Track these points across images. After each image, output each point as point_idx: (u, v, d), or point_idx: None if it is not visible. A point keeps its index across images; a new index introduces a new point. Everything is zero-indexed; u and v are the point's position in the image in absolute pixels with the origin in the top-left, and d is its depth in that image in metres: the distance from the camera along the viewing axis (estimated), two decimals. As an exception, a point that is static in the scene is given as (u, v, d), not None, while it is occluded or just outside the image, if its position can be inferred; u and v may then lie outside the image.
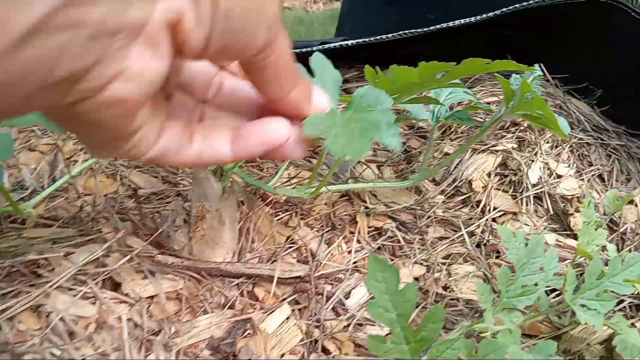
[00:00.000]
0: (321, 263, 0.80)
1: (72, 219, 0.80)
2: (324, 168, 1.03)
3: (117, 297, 0.68)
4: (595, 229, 0.76)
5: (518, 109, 0.74)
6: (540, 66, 1.18)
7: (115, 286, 0.70)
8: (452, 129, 1.08)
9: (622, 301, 0.78)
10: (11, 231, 0.78)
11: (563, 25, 1.12)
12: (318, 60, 0.74)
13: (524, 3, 1.02)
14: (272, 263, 0.78)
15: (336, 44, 1.18)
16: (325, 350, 0.69)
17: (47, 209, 0.84)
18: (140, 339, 0.63)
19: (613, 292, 0.62)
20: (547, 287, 0.74)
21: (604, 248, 0.84)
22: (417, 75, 0.68)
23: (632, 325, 0.74)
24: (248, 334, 0.70)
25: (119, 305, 0.67)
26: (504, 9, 1.03)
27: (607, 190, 0.97)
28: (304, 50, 1.25)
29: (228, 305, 0.73)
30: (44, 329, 0.61)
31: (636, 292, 0.75)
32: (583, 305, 0.62)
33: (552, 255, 0.66)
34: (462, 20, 1.07)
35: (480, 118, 1.10)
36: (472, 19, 1.05)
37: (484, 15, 1.05)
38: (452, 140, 1.05)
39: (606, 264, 0.65)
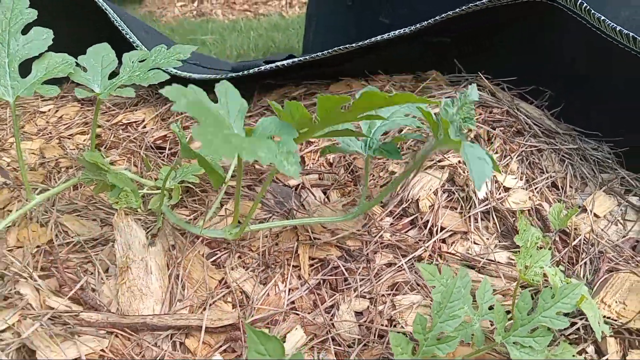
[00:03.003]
0: (255, 307, 0.76)
1: (-7, 280, 0.76)
2: (277, 197, 1.00)
3: (32, 367, 0.64)
4: (537, 250, 0.72)
5: (446, 142, 0.70)
6: (479, 74, 1.15)
7: (31, 354, 0.66)
8: (398, 146, 1.05)
9: (574, 324, 0.75)
10: None
11: (504, 28, 1.09)
12: (223, 87, 0.73)
13: (457, 9, 0.98)
14: (203, 310, 0.75)
15: (279, 63, 1.14)
16: (257, 404, 0.66)
17: (-29, 269, 0.80)
18: (50, 415, 0.60)
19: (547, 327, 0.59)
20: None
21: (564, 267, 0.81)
22: (318, 110, 0.64)
23: (583, 350, 0.71)
24: (176, 392, 0.66)
25: (33, 376, 0.64)
26: (437, 17, 0.99)
27: (560, 200, 0.94)
28: (251, 71, 1.22)
29: (157, 362, 0.70)
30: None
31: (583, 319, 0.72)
32: (516, 343, 0.59)
33: (485, 289, 0.63)
34: (397, 32, 1.03)
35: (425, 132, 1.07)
36: (407, 29, 1.02)
37: (418, 25, 1.01)
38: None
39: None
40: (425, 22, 1.01)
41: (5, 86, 0.82)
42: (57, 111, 1.32)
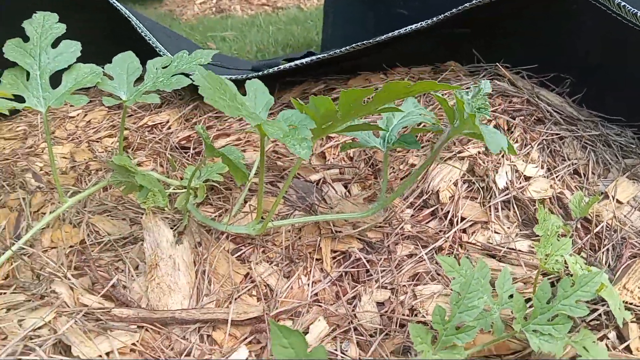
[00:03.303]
0: (279, 300, 0.78)
1: (30, 281, 0.80)
2: (299, 193, 1.02)
3: (69, 360, 0.68)
4: (558, 239, 0.72)
5: (462, 128, 0.71)
6: (497, 65, 1.15)
7: (67, 349, 0.70)
8: (417, 138, 1.05)
9: (595, 310, 0.75)
10: (-28, 298, 0.79)
11: (524, 16, 1.08)
12: (253, 84, 0.81)
13: (473, 1, 0.98)
14: (229, 305, 0.78)
15: (293, 63, 1.16)
16: (283, 393, 0.68)
17: (10, 271, 0.84)
18: (89, 404, 0.63)
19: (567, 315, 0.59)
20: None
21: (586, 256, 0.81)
22: (340, 103, 0.66)
23: (604, 337, 0.71)
24: (205, 382, 0.69)
25: (71, 368, 0.68)
26: (453, 10, 0.99)
27: (582, 187, 0.93)
28: (271, 70, 1.24)
29: (185, 353, 0.73)
30: (-13, 406, 0.61)
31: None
32: (535, 331, 0.59)
33: (505, 278, 0.64)
34: (413, 27, 1.04)
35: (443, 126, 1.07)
36: (423, 23, 1.02)
37: (435, 19, 1.01)
38: (417, 151, 1.02)
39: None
40: (442, 15, 1.01)
41: (38, 97, 0.86)
42: (85, 115, 1.37)
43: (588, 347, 0.62)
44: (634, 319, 0.71)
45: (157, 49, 1.24)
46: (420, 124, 1.06)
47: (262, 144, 0.76)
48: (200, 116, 1.29)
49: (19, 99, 0.86)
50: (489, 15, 1.10)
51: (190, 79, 0.70)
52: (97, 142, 1.25)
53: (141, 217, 0.98)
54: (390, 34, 1.06)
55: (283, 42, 3.54)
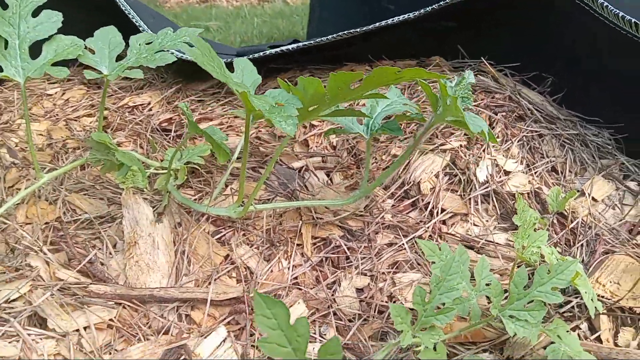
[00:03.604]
0: (259, 282, 0.78)
1: (3, 255, 0.78)
2: (281, 179, 1.01)
3: (43, 333, 0.67)
4: (535, 231, 0.74)
5: (445, 115, 0.72)
6: (482, 59, 1.16)
7: (42, 322, 0.68)
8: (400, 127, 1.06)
9: (569, 302, 0.77)
10: (-58, 270, 0.76)
11: (509, 14, 1.10)
12: (241, 62, 0.81)
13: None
14: (208, 285, 0.77)
15: (279, 48, 1.16)
16: (260, 374, 0.68)
17: (-18, 243, 0.82)
18: (62, 378, 0.62)
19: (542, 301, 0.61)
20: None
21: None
22: (328, 85, 0.66)
23: (576, 327, 0.73)
24: (184, 359, 0.69)
25: (45, 341, 0.66)
26: (441, 3, 1.01)
27: (559, 184, 0.95)
28: (256, 55, 1.23)
29: (163, 331, 0.72)
30: (-43, 377, 0.60)
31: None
32: (512, 317, 0.61)
33: (483, 266, 0.65)
34: (400, 17, 1.04)
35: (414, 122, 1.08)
36: (410, 15, 1.03)
37: (422, 11, 1.03)
38: (400, 142, 1.03)
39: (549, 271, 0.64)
40: (430, 8, 1.03)
41: (16, 67, 0.84)
42: (63, 94, 1.34)
43: (561, 335, 0.64)
44: (605, 311, 0.73)
45: (140, 27, 1.22)
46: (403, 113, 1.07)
47: (247, 120, 0.75)
48: (182, 99, 1.28)
49: None
50: (475, 10, 1.12)
51: (178, 51, 0.69)
52: (75, 120, 1.23)
53: (119, 197, 0.96)
54: (377, 24, 1.07)
55: (268, 35, 3.51)
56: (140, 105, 1.27)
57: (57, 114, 1.24)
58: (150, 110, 1.25)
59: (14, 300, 0.69)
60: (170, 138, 1.15)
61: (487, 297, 0.76)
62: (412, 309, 0.64)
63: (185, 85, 1.32)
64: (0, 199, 0.95)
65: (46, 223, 0.89)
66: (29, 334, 0.65)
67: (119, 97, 1.30)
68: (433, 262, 0.64)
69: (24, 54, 0.85)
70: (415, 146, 0.82)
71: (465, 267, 0.61)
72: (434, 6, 1.02)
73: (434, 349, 0.57)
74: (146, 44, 0.91)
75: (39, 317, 0.68)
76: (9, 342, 0.64)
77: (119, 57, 0.92)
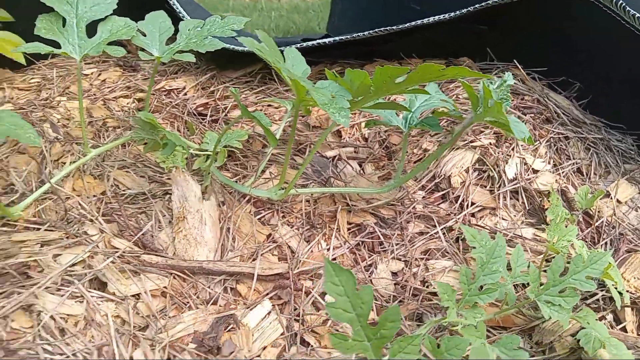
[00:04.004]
0: (301, 261, 0.82)
1: (59, 222, 0.82)
2: (315, 167, 1.05)
3: (104, 296, 0.71)
4: (565, 226, 0.78)
5: (485, 115, 0.76)
6: (514, 62, 1.21)
7: (102, 285, 0.73)
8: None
9: (594, 294, 0.81)
10: (2, 234, 0.80)
11: (539, 19, 1.14)
12: (290, 52, 0.85)
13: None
14: (253, 261, 0.81)
15: (315, 41, 1.20)
16: (304, 343, 0.72)
17: (36, 212, 0.86)
18: (128, 335, 0.66)
19: (576, 288, 0.65)
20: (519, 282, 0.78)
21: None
22: (374, 79, 0.70)
23: (602, 318, 0.77)
24: (231, 328, 0.73)
25: (106, 304, 0.70)
26: (476, 5, 1.05)
27: (584, 184, 1.00)
28: (296, 46, 1.27)
29: (212, 302, 0.76)
30: (35, 326, 0.64)
31: (607, 286, 0.79)
32: (547, 301, 0.65)
33: (519, 253, 0.69)
34: (436, 17, 1.08)
35: (453, 119, 1.12)
36: (446, 15, 1.07)
37: (458, 12, 1.07)
38: (431, 137, 1.07)
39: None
40: (466, 10, 1.07)
41: (73, 44, 0.88)
42: (99, 74, 1.38)
43: (591, 322, 0.68)
44: (629, 304, 0.78)
45: (180, 14, 1.26)
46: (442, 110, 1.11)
47: (296, 109, 0.79)
48: (217, 85, 1.31)
49: (54, 44, 0.88)
50: (507, 15, 1.16)
51: (238, 39, 0.73)
52: (113, 100, 1.26)
53: (159, 176, 1.01)
54: (413, 23, 1.11)
55: (284, 29, 3.55)
56: (176, 89, 1.31)
57: (94, 94, 1.28)
58: (186, 94, 1.29)
59: (74, 264, 0.73)
60: (205, 122, 1.19)
61: (515, 287, 0.80)
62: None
63: (219, 72, 1.36)
64: (49, 170, 0.99)
65: (94, 196, 0.93)
66: (92, 296, 0.69)
67: (154, 81, 1.34)
68: (473, 247, 0.68)
69: (82, 32, 0.89)
70: (452, 142, 0.86)
71: (504, 253, 0.65)
72: (469, 8, 1.06)
73: (475, 327, 0.62)
74: (195, 29, 0.95)
75: (100, 281, 0.72)
76: (75, 302, 0.68)
77: (169, 40, 0.96)
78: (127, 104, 1.26)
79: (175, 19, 1.00)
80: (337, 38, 1.20)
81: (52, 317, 0.66)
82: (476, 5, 1.08)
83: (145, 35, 0.95)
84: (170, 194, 0.94)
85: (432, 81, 0.74)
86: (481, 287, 0.63)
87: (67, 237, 0.78)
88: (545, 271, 0.72)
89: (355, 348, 0.49)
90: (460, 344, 0.54)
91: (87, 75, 1.38)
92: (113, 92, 1.30)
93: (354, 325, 0.50)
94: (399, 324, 0.50)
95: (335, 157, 1.08)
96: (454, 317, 0.60)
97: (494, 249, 0.63)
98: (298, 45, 1.25)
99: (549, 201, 0.96)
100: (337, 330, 0.75)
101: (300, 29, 3.56)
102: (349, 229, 0.92)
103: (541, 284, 0.68)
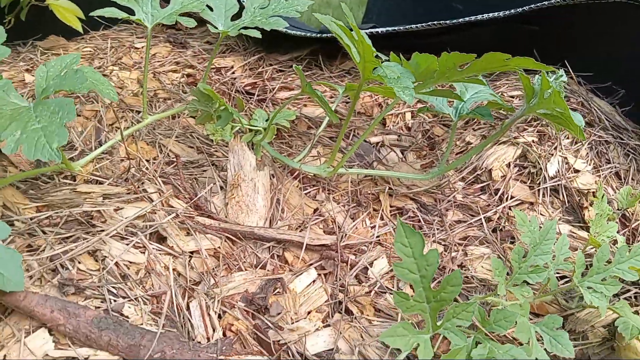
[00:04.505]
0: (346, 235, 0.86)
1: (119, 179, 0.87)
2: (358, 151, 1.08)
3: (163, 249, 0.75)
4: (607, 222, 0.80)
5: (539, 107, 0.78)
6: (565, 64, 1.22)
7: (161, 239, 0.76)
8: (475, 119, 1.13)
9: (628, 290, 0.83)
10: (64, 186, 0.84)
11: (588, 24, 1.16)
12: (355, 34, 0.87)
13: (552, 1, 1.05)
14: (301, 231, 0.84)
15: (365, 30, 1.23)
16: (348, 312, 0.76)
17: (96, 169, 0.90)
18: (183, 287, 0.70)
19: (618, 278, 0.67)
20: (557, 271, 0.80)
21: (615, 242, 0.89)
22: (440, 64, 0.73)
23: (636, 312, 0.79)
24: (278, 291, 0.76)
25: (165, 256, 0.74)
26: (532, 5, 1.07)
27: (622, 188, 1.01)
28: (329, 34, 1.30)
29: (260, 266, 0.79)
30: (101, 270, 0.68)
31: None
32: (590, 288, 0.67)
33: (563, 242, 0.71)
34: (490, 14, 1.11)
35: (503, 111, 1.14)
36: (500, 13, 1.10)
37: (512, 11, 1.09)
38: (474, 130, 1.10)
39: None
40: (520, 9, 1.09)
41: (146, 13, 0.92)
42: (150, 49, 1.42)
43: (627, 313, 0.71)
44: (663, 301, 0.80)
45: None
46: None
47: (359, 87, 0.82)
48: (264, 67, 1.35)
49: (129, 11, 0.92)
50: (558, 18, 1.18)
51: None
52: (163, 74, 1.31)
53: (206, 147, 1.04)
54: (467, 18, 1.13)
55: (316, 22, 3.57)
56: (224, 67, 1.35)
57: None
58: (234, 73, 1.33)
59: (136, 218, 0.77)
60: (252, 101, 1.23)
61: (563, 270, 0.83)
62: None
63: (267, 55, 1.39)
64: (105, 133, 1.03)
65: (147, 160, 0.97)
66: (153, 248, 0.73)
67: (203, 58, 1.38)
68: (511, 235, 0.71)
69: (155, 3, 0.93)
70: (501, 133, 0.88)
71: (555, 236, 0.68)
72: (524, 8, 1.08)
73: (520, 306, 0.64)
74: (260, 8, 0.98)
75: (159, 235, 0.76)
76: (138, 252, 0.72)
77: (234, 16, 1.00)
78: (177, 78, 1.30)
79: None
80: (389, 28, 1.23)
81: (116, 263, 0.70)
82: (532, 5, 1.10)
83: (212, 10, 0.98)
84: (218, 165, 0.98)
85: (495, 70, 0.76)
86: (530, 267, 0.66)
87: (129, 193, 0.82)
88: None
89: (415, 308, 0.52)
90: (508, 316, 0.57)
91: (138, 48, 1.42)
92: (163, 66, 1.34)
93: (417, 286, 0.52)
94: (459, 288, 0.53)
95: (378, 143, 1.11)
96: (503, 292, 0.63)
97: (546, 231, 0.65)
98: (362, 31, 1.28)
99: (587, 200, 0.98)
100: (378, 303, 0.78)
101: (333, 23, 3.58)
102: (391, 211, 0.95)
103: (582, 274, 0.70)
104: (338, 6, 4.15)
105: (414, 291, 0.54)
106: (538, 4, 1.07)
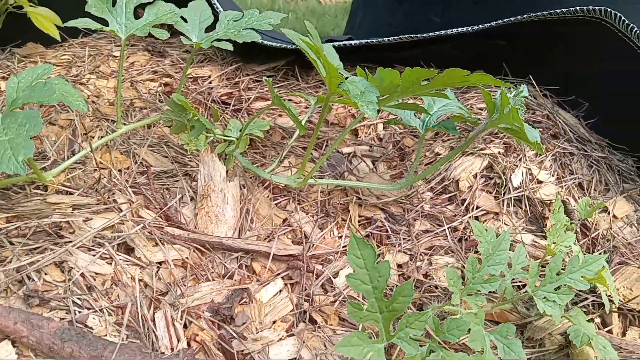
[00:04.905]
0: (314, 245, 0.87)
1: (89, 189, 0.88)
2: (330, 161, 1.10)
3: (131, 260, 0.76)
4: (565, 232, 0.83)
5: (500, 122, 0.81)
6: (531, 78, 1.26)
7: (129, 250, 0.78)
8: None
9: (585, 299, 0.86)
10: (35, 197, 0.85)
11: (554, 39, 1.19)
12: (325, 48, 0.89)
13: (519, 17, 1.09)
14: (269, 241, 0.86)
15: (341, 42, 1.25)
16: (312, 321, 0.77)
17: (67, 179, 0.91)
18: (149, 297, 0.71)
19: (571, 287, 0.70)
20: (515, 280, 0.83)
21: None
22: (403, 78, 0.75)
23: (591, 320, 0.82)
24: (244, 301, 0.78)
25: (132, 267, 0.75)
26: (499, 21, 1.10)
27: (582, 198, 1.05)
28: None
29: (228, 276, 0.81)
30: (66, 281, 0.69)
31: (598, 291, 0.84)
32: (543, 297, 0.70)
33: (520, 252, 0.74)
34: (458, 29, 1.14)
35: (470, 124, 1.18)
36: (469, 28, 1.13)
37: (480, 26, 1.12)
38: (443, 142, 1.13)
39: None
40: (488, 24, 1.12)
41: (120, 24, 0.94)
42: (128, 57, 1.43)
43: (580, 321, 0.73)
44: (616, 309, 0.82)
45: (214, 5, 1.31)
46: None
47: (326, 100, 0.84)
48: (241, 77, 1.37)
49: (103, 22, 0.94)
50: (525, 33, 1.21)
51: (283, 31, 0.78)
52: (141, 83, 1.32)
53: (181, 157, 1.06)
54: (437, 32, 1.16)
55: (300, 32, 3.59)
56: (201, 77, 1.36)
57: (123, 75, 1.33)
58: (211, 83, 1.34)
59: (105, 228, 0.78)
60: (228, 111, 1.24)
61: (518, 280, 0.85)
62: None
63: (244, 65, 1.41)
64: (79, 143, 1.04)
65: (119, 170, 0.98)
66: (120, 259, 0.75)
67: (181, 67, 1.39)
68: (477, 245, 0.74)
69: (129, 14, 0.95)
70: (466, 146, 0.91)
71: (508, 248, 0.70)
72: (492, 23, 1.12)
73: (475, 315, 0.67)
74: (234, 20, 1.00)
75: (127, 246, 0.78)
76: (104, 263, 0.73)
77: (208, 28, 1.01)
78: (154, 87, 1.31)
79: None
80: (362, 41, 1.26)
81: (82, 274, 0.71)
82: (498, 22, 1.14)
83: (186, 22, 1.00)
84: (191, 174, 0.99)
85: (455, 85, 0.79)
86: (484, 277, 0.68)
87: (98, 204, 0.83)
88: (541, 275, 0.77)
89: (368, 318, 0.54)
90: (461, 325, 0.59)
91: (117, 56, 1.43)
92: (141, 75, 1.35)
93: (369, 297, 0.55)
94: (410, 299, 0.55)
95: (350, 153, 1.13)
96: (457, 301, 0.65)
97: (499, 242, 0.68)
98: (328, 45, 1.30)
99: (550, 210, 1.01)
100: (342, 313, 0.80)
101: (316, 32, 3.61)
102: (359, 221, 0.97)
103: (537, 284, 0.73)
104: (322, 14, 4.18)
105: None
106: (505, 20, 1.11)
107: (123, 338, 0.65)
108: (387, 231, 0.95)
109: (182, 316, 0.73)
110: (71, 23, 0.92)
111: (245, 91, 1.30)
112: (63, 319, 0.67)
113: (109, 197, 0.85)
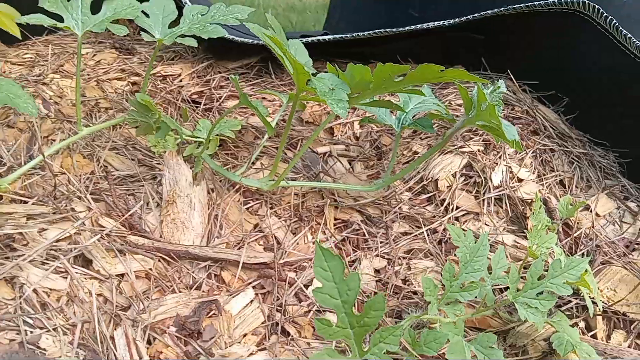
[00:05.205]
0: (286, 251, 0.83)
1: (46, 197, 0.82)
2: (305, 162, 1.06)
3: (88, 273, 0.71)
4: (547, 233, 0.80)
5: (477, 119, 0.78)
6: (508, 73, 1.23)
7: (87, 263, 0.73)
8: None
9: (569, 302, 0.84)
10: (-14, 205, 0.80)
11: (535, 33, 1.17)
12: (293, 44, 0.85)
13: (496, 9, 1.06)
14: (239, 249, 0.82)
15: (314, 38, 1.21)
16: (285, 333, 0.73)
17: (23, 186, 0.86)
18: (109, 313, 0.66)
19: (553, 292, 0.67)
20: (497, 285, 0.80)
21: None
22: (374, 75, 0.71)
23: (575, 324, 0.80)
24: (213, 314, 0.73)
25: (89, 281, 0.70)
26: (476, 14, 1.07)
27: (566, 196, 1.02)
28: (289, 40, 1.28)
29: (195, 286, 0.76)
30: (17, 299, 0.64)
31: (581, 293, 0.81)
32: (524, 303, 0.67)
33: (500, 256, 0.71)
34: (435, 23, 1.10)
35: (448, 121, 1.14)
36: (445, 22, 1.09)
37: (458, 19, 1.09)
38: (421, 140, 1.09)
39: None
40: (465, 18, 1.09)
41: (77, 20, 0.88)
42: (95, 55, 1.37)
43: (564, 327, 0.70)
44: (601, 313, 0.80)
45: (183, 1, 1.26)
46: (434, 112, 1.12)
47: (295, 99, 0.80)
48: (213, 75, 1.32)
49: (57, 17, 0.88)
50: (503, 27, 1.18)
51: (248, 25, 0.74)
52: (107, 82, 1.26)
53: (149, 160, 1.01)
54: (413, 26, 1.13)
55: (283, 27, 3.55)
56: (171, 75, 1.31)
57: (88, 74, 1.28)
58: (181, 81, 1.29)
59: (61, 240, 0.73)
60: (199, 110, 1.19)
61: (493, 291, 0.82)
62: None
63: (216, 62, 1.36)
64: (38, 146, 0.98)
65: (82, 175, 0.92)
66: (76, 272, 0.70)
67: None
68: (457, 247, 0.70)
69: (85, 9, 0.89)
70: (443, 144, 0.88)
71: (486, 253, 0.67)
72: (468, 17, 1.08)
73: (454, 324, 0.63)
74: (199, 15, 0.95)
75: (85, 258, 0.73)
76: (59, 277, 0.68)
77: (172, 23, 0.96)
78: (121, 86, 1.25)
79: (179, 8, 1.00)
80: (337, 36, 1.21)
81: (34, 290, 0.66)
82: (475, 15, 1.10)
83: (148, 17, 0.95)
84: (159, 178, 0.94)
85: (430, 82, 0.75)
86: (462, 285, 0.65)
87: (54, 213, 0.78)
88: (523, 277, 0.74)
89: (338, 334, 0.51)
90: (438, 338, 0.56)
91: (82, 55, 1.37)
92: (107, 74, 1.30)
93: (339, 312, 0.51)
94: (382, 312, 0.51)
95: (326, 153, 1.09)
96: (434, 311, 0.62)
97: (477, 248, 0.65)
98: (297, 40, 1.26)
99: (531, 209, 0.98)
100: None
101: (296, 28, 3.57)
102: (335, 225, 0.93)
103: (518, 289, 0.70)
104: (303, 10, 4.13)
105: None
106: (482, 13, 1.07)
107: (79, 358, 0.60)
108: (364, 234, 0.91)
109: (145, 332, 0.68)
110: (24, 19, 0.86)
111: (216, 89, 1.25)
112: (13, 340, 0.61)
113: (66, 205, 0.80)
